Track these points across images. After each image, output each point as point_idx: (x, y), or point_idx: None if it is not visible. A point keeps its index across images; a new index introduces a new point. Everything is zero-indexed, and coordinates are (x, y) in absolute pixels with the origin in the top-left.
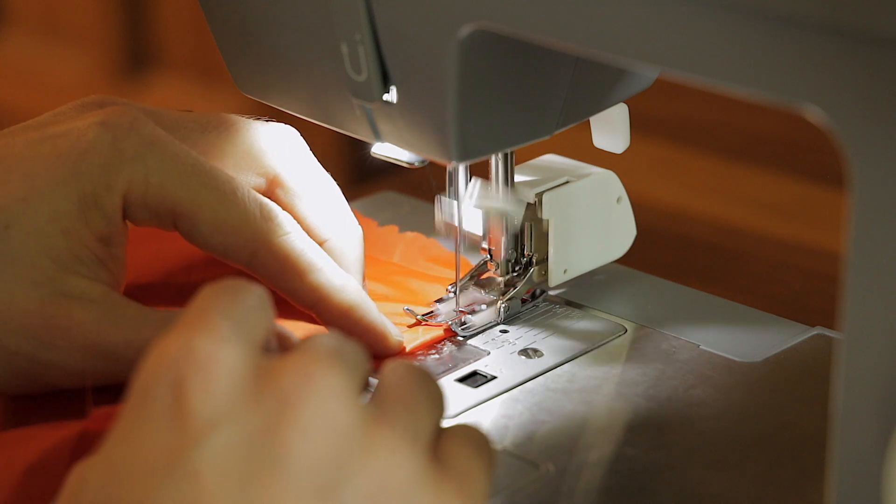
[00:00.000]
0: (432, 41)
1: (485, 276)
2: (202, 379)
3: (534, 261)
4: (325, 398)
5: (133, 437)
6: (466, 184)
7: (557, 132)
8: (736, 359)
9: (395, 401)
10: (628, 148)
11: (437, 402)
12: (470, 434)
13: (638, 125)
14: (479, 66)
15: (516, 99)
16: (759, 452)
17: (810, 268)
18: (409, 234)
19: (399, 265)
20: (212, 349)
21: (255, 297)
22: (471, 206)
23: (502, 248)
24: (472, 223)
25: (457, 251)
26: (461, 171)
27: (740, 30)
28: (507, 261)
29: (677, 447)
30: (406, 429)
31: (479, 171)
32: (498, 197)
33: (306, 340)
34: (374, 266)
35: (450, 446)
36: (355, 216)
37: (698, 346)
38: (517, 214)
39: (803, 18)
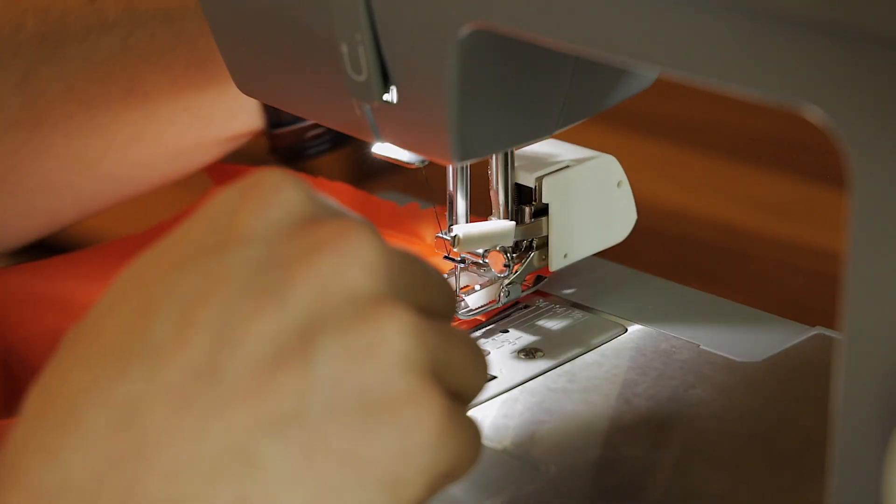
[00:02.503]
0: (432, 41)
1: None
2: (259, 202)
3: (534, 245)
4: (351, 256)
5: (178, 232)
6: (465, 187)
7: (557, 132)
8: (736, 359)
9: (412, 289)
10: (628, 148)
11: (479, 373)
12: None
13: (638, 125)
14: (479, 66)
15: (516, 99)
16: (759, 452)
17: (810, 268)
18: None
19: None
20: (279, 183)
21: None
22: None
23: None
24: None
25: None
26: (458, 174)
27: (740, 30)
28: (507, 245)
29: (677, 447)
30: (414, 320)
31: (480, 167)
32: (482, 236)
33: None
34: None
35: (455, 366)
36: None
37: (698, 346)
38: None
39: (803, 18)
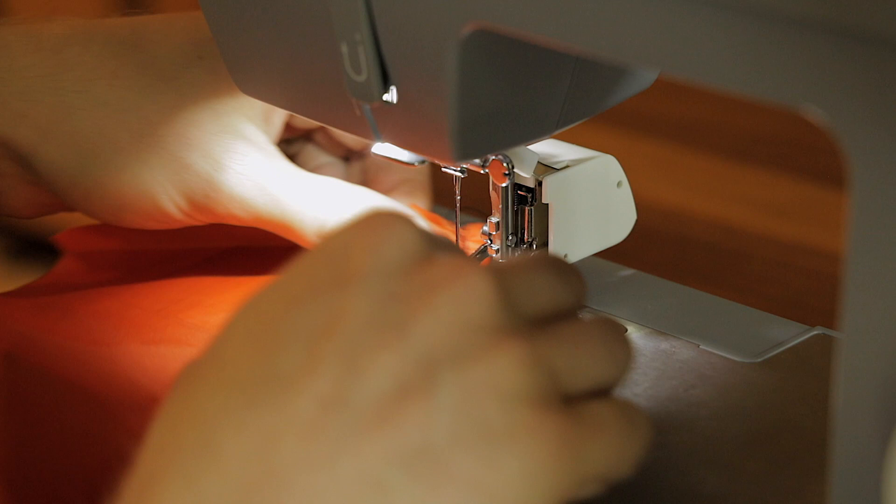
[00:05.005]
0: (432, 41)
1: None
2: (373, 241)
3: (534, 245)
4: (467, 293)
5: (296, 267)
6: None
7: (557, 132)
8: (736, 359)
9: (533, 303)
10: (628, 148)
11: (615, 360)
12: (628, 411)
13: (638, 125)
14: (479, 66)
15: (516, 99)
16: (759, 452)
17: (810, 268)
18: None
19: None
20: (391, 221)
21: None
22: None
23: (502, 228)
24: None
25: (456, 237)
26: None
27: (740, 30)
28: (508, 246)
29: (677, 447)
30: (526, 351)
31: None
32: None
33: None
34: None
35: (600, 408)
36: None
37: (698, 346)
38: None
39: (803, 18)
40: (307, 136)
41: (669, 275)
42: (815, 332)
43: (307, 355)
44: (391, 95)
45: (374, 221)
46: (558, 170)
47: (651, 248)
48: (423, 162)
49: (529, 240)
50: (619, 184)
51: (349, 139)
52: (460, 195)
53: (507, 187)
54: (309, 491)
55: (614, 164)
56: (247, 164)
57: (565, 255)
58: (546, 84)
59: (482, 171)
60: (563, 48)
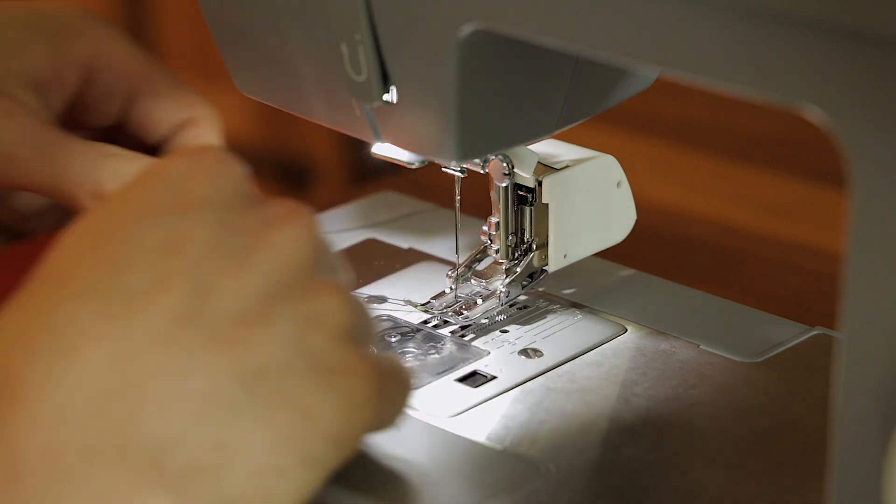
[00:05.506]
0: (432, 41)
1: (485, 261)
2: (211, 172)
3: (534, 245)
4: (302, 235)
5: (128, 190)
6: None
7: (557, 132)
8: (736, 359)
9: (335, 266)
10: (628, 148)
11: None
12: (405, 367)
13: (638, 125)
14: (479, 66)
15: (516, 99)
16: (759, 452)
17: (811, 268)
18: None
19: None
20: (225, 158)
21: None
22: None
23: (502, 228)
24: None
25: (456, 238)
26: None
27: (740, 30)
28: (508, 246)
29: (677, 447)
30: (348, 295)
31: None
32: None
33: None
34: None
35: (390, 361)
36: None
37: (698, 346)
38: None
39: (803, 18)
40: (104, 136)
41: (669, 275)
42: (815, 332)
43: (157, 271)
44: (391, 95)
45: (209, 156)
46: (558, 170)
47: (651, 248)
48: (423, 162)
49: (529, 240)
50: (618, 184)
51: (153, 134)
52: (460, 195)
53: (507, 187)
54: (166, 401)
55: (614, 164)
56: (20, 123)
57: (565, 255)
58: (546, 84)
59: (482, 171)
60: (563, 48)
